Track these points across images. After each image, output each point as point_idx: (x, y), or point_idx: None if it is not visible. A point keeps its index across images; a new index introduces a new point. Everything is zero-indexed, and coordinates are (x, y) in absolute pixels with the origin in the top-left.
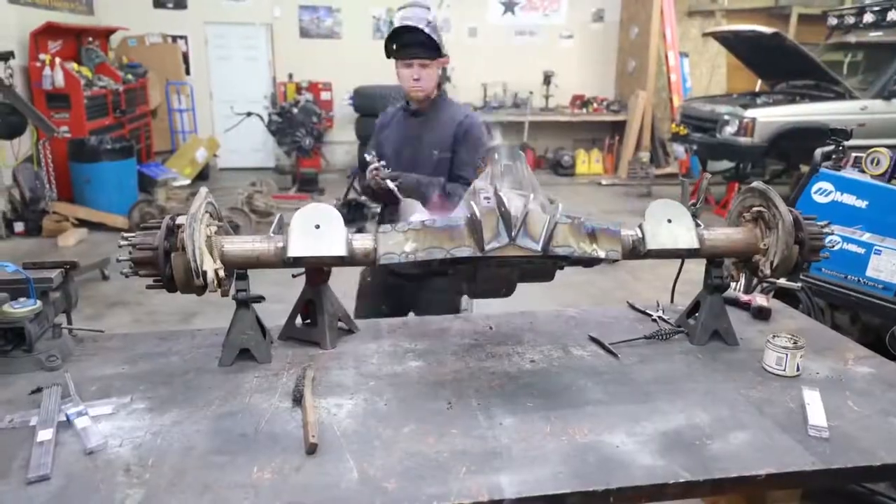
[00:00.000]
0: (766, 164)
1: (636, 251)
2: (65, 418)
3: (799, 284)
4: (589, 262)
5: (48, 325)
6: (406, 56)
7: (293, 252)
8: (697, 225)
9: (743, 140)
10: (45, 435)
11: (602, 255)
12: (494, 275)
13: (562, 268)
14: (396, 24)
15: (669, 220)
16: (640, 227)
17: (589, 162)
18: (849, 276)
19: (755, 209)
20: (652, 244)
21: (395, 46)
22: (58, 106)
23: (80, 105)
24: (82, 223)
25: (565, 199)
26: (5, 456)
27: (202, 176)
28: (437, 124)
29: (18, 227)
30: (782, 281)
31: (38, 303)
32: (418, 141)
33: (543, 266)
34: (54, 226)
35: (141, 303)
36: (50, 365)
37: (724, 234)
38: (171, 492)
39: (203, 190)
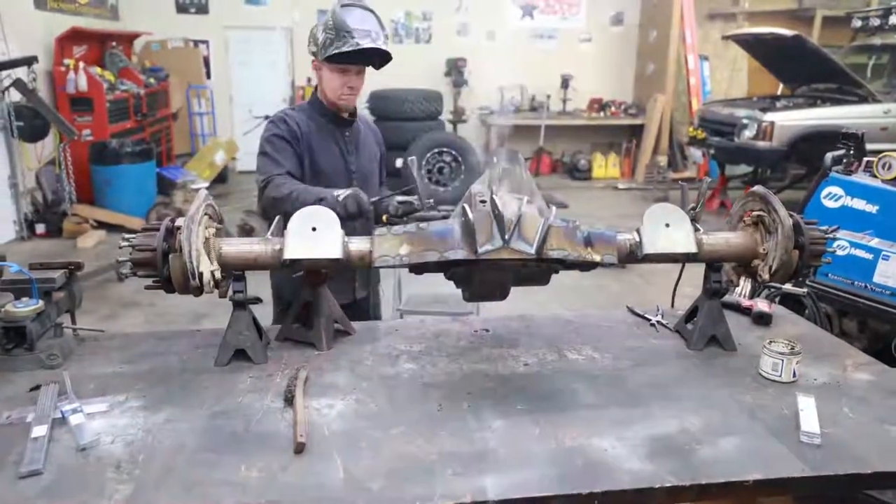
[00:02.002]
0: (788, 169)
1: (633, 255)
2: (60, 415)
3: (804, 290)
4: (585, 266)
5: (50, 325)
6: (357, 62)
7: (290, 254)
8: (697, 229)
9: (761, 144)
10: (39, 431)
11: (597, 258)
12: (489, 278)
13: (557, 272)
14: (355, 25)
15: (667, 225)
16: (638, 231)
17: (606, 166)
18: (856, 282)
19: (755, 213)
20: (649, 248)
21: (340, 49)
22: (81, 109)
23: (102, 108)
24: (102, 225)
25: (581, 202)
26: (1, 451)
27: (221, 178)
28: (366, 135)
29: (40, 228)
30: (788, 286)
31: (41, 302)
32: (359, 153)
33: (538, 270)
34: (74, 227)
35: (154, 304)
36: (50, 363)
37: (723, 239)
38: (159, 488)
39: (202, 192)
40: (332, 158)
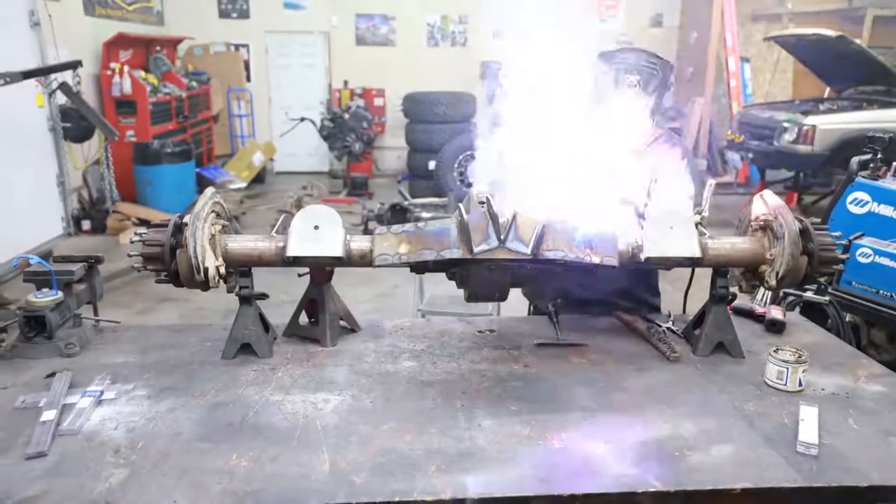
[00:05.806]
0: (833, 174)
1: (635, 258)
2: (70, 401)
3: (826, 298)
4: (584, 268)
5: (69, 315)
6: None
7: (292, 252)
8: (702, 233)
9: (802, 148)
10: (48, 415)
11: (596, 260)
12: (486, 279)
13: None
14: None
15: (671, 227)
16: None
17: None
18: (881, 291)
19: (762, 218)
20: (651, 252)
21: None
22: (125, 112)
23: (145, 111)
24: (143, 222)
25: None
26: (11, 433)
27: (258, 179)
28: None
29: (86, 225)
30: (809, 294)
31: (60, 293)
32: None
33: (537, 272)
34: (117, 224)
35: (188, 299)
36: (68, 352)
37: (729, 244)
38: (153, 473)
39: (209, 190)
40: None
